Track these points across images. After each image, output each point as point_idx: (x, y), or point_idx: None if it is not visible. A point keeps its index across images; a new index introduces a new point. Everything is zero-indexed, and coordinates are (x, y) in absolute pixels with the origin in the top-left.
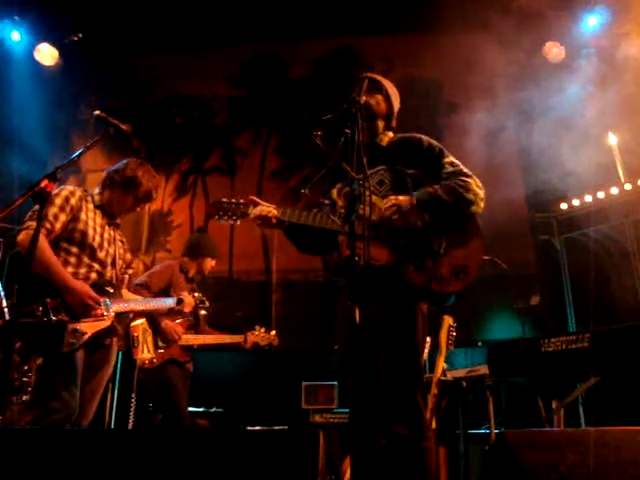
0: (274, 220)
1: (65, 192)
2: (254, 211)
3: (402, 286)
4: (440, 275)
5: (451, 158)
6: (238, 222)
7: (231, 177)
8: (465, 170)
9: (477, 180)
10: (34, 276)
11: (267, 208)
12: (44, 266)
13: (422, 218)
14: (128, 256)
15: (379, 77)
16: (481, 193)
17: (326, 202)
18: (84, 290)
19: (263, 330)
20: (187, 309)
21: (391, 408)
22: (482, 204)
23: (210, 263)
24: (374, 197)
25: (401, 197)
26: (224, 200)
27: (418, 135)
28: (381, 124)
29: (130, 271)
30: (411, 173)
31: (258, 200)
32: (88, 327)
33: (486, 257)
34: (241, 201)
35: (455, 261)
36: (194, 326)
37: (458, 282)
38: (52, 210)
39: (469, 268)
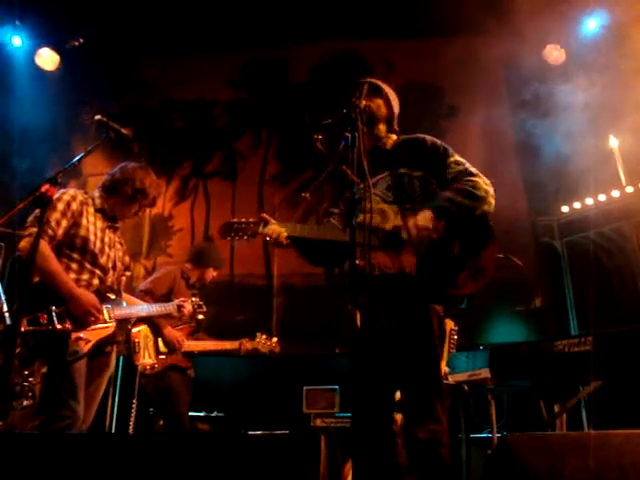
0: (286, 241)
1: (67, 197)
2: (265, 230)
3: (416, 291)
4: (454, 278)
5: (456, 157)
6: (249, 241)
7: (232, 181)
8: (471, 169)
9: (484, 178)
10: (38, 283)
11: (277, 229)
12: (48, 274)
13: (438, 227)
14: (127, 259)
15: (379, 82)
16: (491, 190)
17: (335, 211)
18: (88, 299)
19: (264, 337)
20: (185, 317)
21: (410, 413)
22: (493, 202)
23: (212, 273)
24: (383, 205)
25: (419, 218)
26: (234, 221)
27: (422, 135)
28: (383, 127)
29: (128, 273)
30: (418, 175)
31: (268, 218)
32: (92, 335)
33: (500, 255)
34: (251, 220)
35: (470, 263)
36: (195, 332)
37: (474, 284)
38: (54, 215)
39: (485, 269)
